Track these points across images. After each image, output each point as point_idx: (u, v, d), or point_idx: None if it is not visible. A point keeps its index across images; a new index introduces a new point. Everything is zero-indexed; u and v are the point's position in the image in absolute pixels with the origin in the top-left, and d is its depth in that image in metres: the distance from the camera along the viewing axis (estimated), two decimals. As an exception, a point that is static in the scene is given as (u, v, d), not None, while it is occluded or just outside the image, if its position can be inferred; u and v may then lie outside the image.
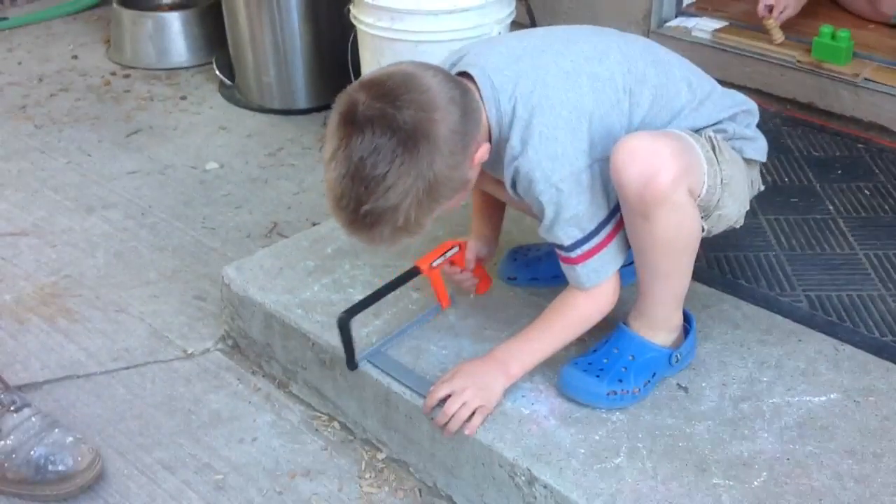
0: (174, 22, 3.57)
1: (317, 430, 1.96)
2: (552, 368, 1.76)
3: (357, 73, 2.86)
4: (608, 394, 1.68)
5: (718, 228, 1.72)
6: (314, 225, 2.39)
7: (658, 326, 1.72)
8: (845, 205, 2.31)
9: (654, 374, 1.72)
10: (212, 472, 1.86)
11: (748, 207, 1.77)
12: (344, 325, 1.78)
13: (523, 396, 1.73)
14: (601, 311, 1.70)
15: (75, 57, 3.67)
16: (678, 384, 1.76)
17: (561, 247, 1.64)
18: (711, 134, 1.68)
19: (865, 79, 2.67)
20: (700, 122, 1.70)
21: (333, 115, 1.51)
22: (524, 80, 1.60)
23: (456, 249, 1.89)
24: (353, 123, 1.46)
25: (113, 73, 3.53)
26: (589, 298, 1.68)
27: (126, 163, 2.93)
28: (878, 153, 2.55)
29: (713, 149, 1.65)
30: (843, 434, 1.65)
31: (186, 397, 2.04)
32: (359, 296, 1.91)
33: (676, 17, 3.11)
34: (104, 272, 2.43)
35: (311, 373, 1.98)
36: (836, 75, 2.71)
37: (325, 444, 1.92)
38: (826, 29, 2.71)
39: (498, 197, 1.89)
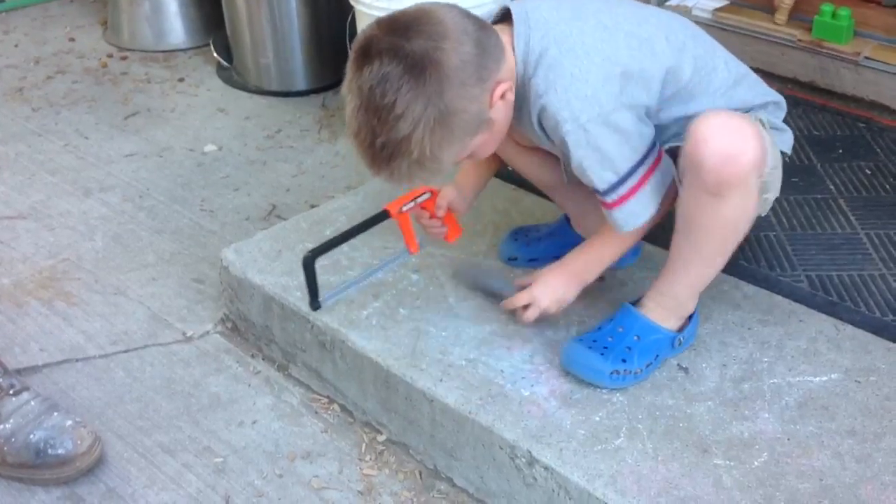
0: (171, 3, 3.55)
1: (316, 412, 1.96)
2: (552, 350, 1.75)
3: (355, 53, 2.84)
4: (611, 373, 1.67)
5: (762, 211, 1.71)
6: (313, 207, 2.38)
7: (671, 310, 1.72)
8: (846, 184, 2.30)
9: (657, 356, 1.72)
10: (212, 454, 1.86)
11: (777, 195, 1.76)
12: (308, 265, 1.81)
13: (523, 378, 1.73)
14: (641, 232, 1.71)
15: (72, 39, 3.66)
16: (678, 365, 1.75)
17: (597, 191, 1.63)
18: (761, 115, 1.66)
19: (866, 57, 2.66)
20: (734, 104, 1.68)
21: (351, 54, 1.52)
22: (562, 25, 1.60)
23: (427, 195, 1.87)
24: (365, 56, 1.48)
25: (110, 56, 3.52)
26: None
27: (124, 145, 2.92)
28: (879, 132, 2.54)
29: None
30: (844, 414, 1.65)
31: (186, 380, 2.03)
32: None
33: (677, -5, 3.09)
34: (102, 255, 2.43)
35: (311, 355, 1.97)
36: (836, 54, 2.70)
37: (325, 426, 1.92)
38: (827, 7, 2.69)
39: (515, 165, 1.93)
